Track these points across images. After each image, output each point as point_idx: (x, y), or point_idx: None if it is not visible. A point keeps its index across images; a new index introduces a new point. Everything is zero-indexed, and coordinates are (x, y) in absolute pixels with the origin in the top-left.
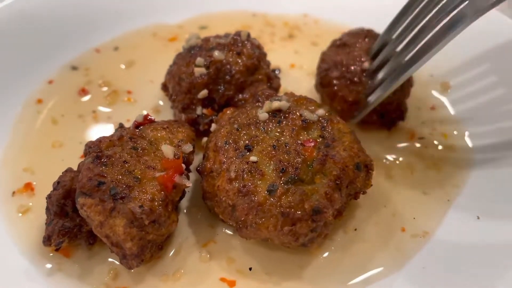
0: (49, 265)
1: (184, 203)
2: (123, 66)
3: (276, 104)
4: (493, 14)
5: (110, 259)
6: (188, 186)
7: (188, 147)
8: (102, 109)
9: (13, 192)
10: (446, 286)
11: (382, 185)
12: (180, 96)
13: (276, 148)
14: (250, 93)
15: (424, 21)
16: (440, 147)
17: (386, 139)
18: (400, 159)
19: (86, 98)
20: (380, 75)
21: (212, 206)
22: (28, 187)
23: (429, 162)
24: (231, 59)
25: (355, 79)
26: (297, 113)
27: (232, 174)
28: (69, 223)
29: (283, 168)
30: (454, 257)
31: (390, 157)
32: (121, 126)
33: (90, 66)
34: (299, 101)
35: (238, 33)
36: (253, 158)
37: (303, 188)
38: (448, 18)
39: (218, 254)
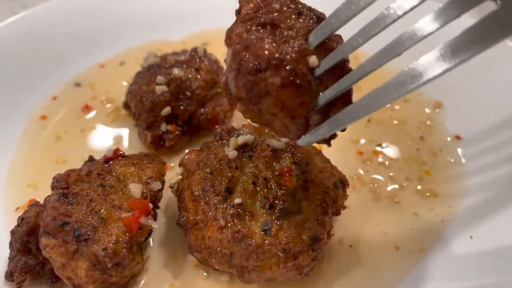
0: None
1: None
2: (125, 83)
3: (241, 139)
4: None
5: None
6: (154, 228)
7: (156, 185)
8: (103, 126)
9: (17, 208)
10: None
11: (371, 204)
12: (144, 115)
13: (256, 184)
14: (211, 106)
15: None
16: (429, 167)
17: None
18: (391, 177)
19: (90, 115)
20: (341, 85)
21: (203, 258)
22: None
23: (420, 182)
24: (190, 75)
25: (304, 84)
26: (265, 144)
27: (222, 222)
28: (32, 260)
29: (270, 204)
30: (449, 273)
31: (379, 176)
32: (90, 159)
33: (94, 82)
34: (260, 130)
35: (194, 49)
36: (237, 201)
37: (295, 220)
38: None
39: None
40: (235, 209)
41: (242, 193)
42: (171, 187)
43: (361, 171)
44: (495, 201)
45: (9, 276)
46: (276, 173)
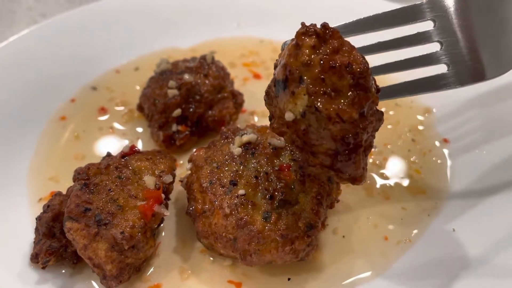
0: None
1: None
2: (138, 88)
3: (245, 137)
4: None
5: (92, 281)
6: (166, 215)
7: (168, 178)
8: (118, 126)
9: (39, 199)
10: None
11: (364, 199)
12: (156, 116)
13: (258, 178)
14: (218, 109)
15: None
16: (419, 166)
17: None
18: (382, 175)
19: (106, 116)
20: None
21: (209, 243)
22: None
23: (410, 180)
24: (199, 81)
25: None
26: (266, 142)
27: (227, 210)
28: (56, 243)
29: (271, 196)
30: (432, 261)
31: (372, 174)
32: (108, 155)
33: (110, 86)
34: (262, 130)
35: (203, 57)
36: (241, 192)
37: (293, 209)
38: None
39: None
40: (239, 199)
41: (245, 185)
42: (181, 181)
43: None
44: (476, 198)
45: (35, 258)
46: (276, 168)
